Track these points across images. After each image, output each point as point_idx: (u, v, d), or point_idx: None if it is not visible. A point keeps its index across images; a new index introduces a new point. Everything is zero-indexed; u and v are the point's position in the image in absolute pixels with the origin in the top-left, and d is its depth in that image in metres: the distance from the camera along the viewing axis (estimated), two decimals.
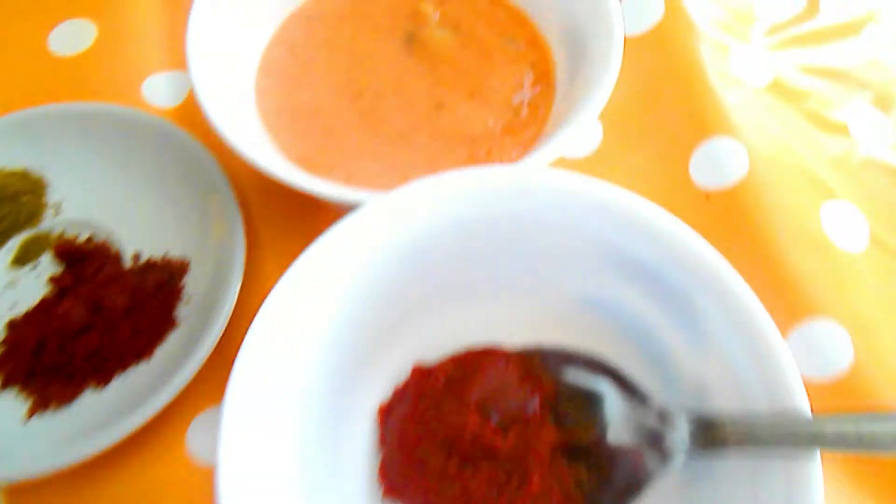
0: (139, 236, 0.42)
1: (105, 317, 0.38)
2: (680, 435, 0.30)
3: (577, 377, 0.33)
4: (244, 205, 0.42)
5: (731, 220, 0.42)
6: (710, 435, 0.29)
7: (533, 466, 0.31)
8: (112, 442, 0.34)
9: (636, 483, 0.30)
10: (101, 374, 0.37)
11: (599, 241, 0.33)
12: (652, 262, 0.32)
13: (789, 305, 0.39)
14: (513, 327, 0.35)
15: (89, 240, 0.42)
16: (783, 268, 0.40)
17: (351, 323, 0.33)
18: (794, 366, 0.28)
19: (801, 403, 0.28)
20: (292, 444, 0.29)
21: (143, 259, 0.42)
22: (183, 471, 0.37)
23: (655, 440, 0.30)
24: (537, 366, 0.33)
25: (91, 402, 0.37)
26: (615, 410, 0.32)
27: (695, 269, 0.30)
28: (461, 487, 0.30)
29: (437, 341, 0.35)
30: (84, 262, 0.41)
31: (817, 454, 0.27)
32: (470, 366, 0.33)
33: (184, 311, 0.40)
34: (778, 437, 0.27)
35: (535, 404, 0.32)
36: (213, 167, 0.41)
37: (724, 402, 0.30)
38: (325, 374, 0.32)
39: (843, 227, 0.43)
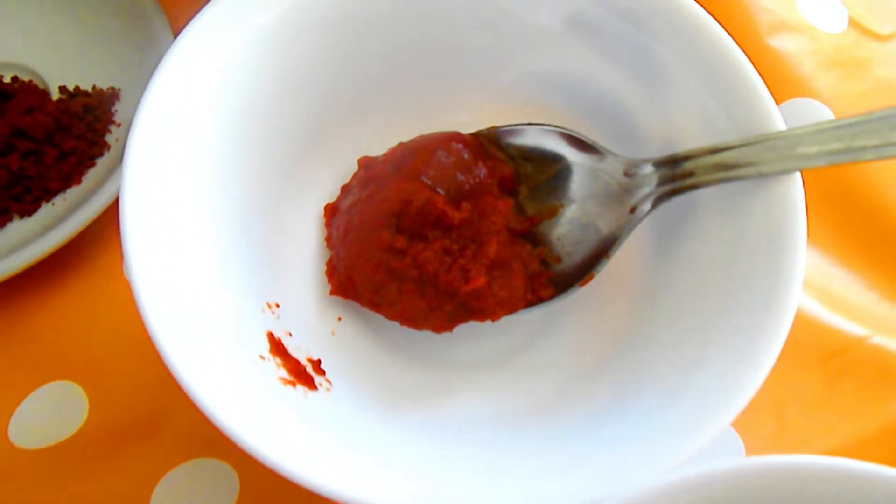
0: (65, 72, 0.39)
1: (27, 140, 0.35)
2: (646, 179, 0.27)
3: (536, 143, 0.30)
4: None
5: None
6: (679, 171, 0.26)
7: (489, 235, 0.28)
8: (37, 255, 0.31)
9: (605, 246, 0.28)
10: (26, 201, 0.35)
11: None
12: (612, 15, 0.29)
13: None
14: (462, 112, 0.32)
15: (14, 79, 0.39)
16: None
17: (280, 113, 0.30)
18: (766, 90, 0.25)
19: (776, 124, 0.25)
20: (216, 246, 0.26)
21: (71, 89, 0.39)
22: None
23: (623, 195, 0.28)
24: (493, 145, 0.31)
25: (17, 230, 0.34)
26: (579, 180, 0.29)
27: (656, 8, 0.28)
28: (412, 260, 0.28)
29: (386, 135, 0.32)
30: (9, 100, 0.38)
31: (797, 174, 0.24)
32: (420, 148, 0.30)
33: (116, 135, 0.37)
34: (751, 160, 0.25)
35: (483, 172, 0.29)
36: None
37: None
38: (258, 171, 0.29)
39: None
